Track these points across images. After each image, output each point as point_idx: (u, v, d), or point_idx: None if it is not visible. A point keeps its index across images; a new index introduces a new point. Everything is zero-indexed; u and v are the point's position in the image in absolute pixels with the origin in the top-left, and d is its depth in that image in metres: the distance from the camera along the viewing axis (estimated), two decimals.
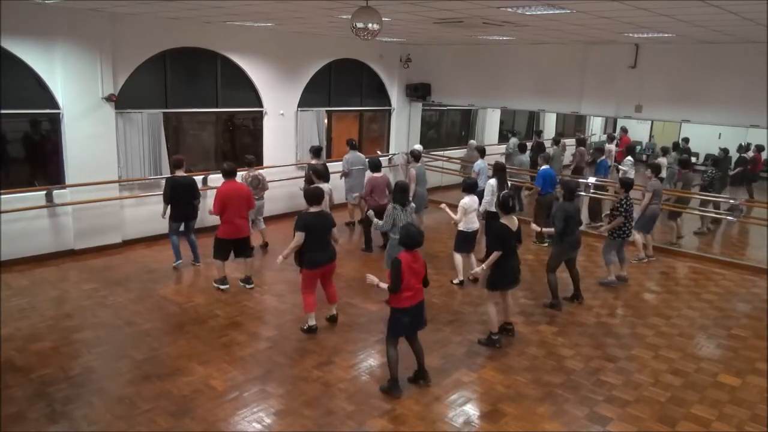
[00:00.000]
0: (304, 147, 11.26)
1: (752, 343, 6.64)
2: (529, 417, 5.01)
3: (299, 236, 6.04)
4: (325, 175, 8.23)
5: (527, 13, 6.60)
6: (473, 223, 7.88)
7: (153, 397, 5.08)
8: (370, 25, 5.76)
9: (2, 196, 7.83)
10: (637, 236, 9.09)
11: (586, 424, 4.93)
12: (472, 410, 5.12)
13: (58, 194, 8.39)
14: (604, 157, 11.70)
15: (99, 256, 8.69)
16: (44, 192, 8.25)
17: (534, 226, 7.89)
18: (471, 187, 7.91)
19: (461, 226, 7.85)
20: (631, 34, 8.42)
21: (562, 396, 5.36)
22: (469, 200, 7.77)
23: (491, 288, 6.29)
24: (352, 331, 6.61)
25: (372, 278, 5.24)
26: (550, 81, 11.08)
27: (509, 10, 6.49)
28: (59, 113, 8.26)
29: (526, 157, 12.15)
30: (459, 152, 14.35)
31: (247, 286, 7.64)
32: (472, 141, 14.21)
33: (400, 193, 6.92)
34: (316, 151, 9.74)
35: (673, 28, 7.48)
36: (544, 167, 9.85)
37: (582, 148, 13.20)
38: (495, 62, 11.81)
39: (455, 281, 8.05)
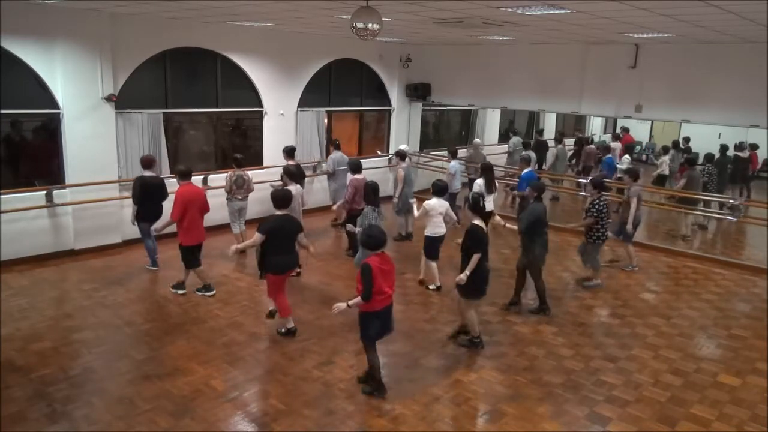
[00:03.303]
0: (304, 147, 11.29)
1: (752, 343, 6.64)
2: (529, 417, 5.01)
3: (257, 237, 5.88)
4: (296, 176, 7.97)
5: (527, 13, 6.60)
6: (439, 228, 7.53)
7: (153, 397, 5.09)
8: (370, 25, 5.76)
9: (2, 196, 7.83)
10: (629, 248, 8.90)
11: (586, 424, 4.94)
12: (472, 410, 5.12)
13: (58, 194, 8.39)
14: (610, 155, 11.71)
15: (99, 256, 8.69)
16: (44, 192, 8.25)
17: (499, 219, 7.40)
18: (441, 190, 7.52)
19: (427, 231, 7.58)
20: (631, 34, 8.41)
21: (562, 396, 5.36)
22: (435, 202, 7.45)
23: (475, 297, 6.01)
24: (352, 331, 6.57)
25: (339, 306, 5.01)
26: (550, 81, 11.07)
27: (509, 10, 6.49)
28: (59, 113, 8.26)
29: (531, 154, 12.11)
30: (459, 152, 14.27)
31: (207, 294, 7.34)
32: (477, 140, 14.08)
33: (372, 194, 6.74)
34: (289, 152, 9.42)
35: (673, 28, 7.47)
36: (526, 170, 9.46)
37: (592, 146, 13.14)
38: (495, 62, 11.79)
39: (431, 287, 7.83)
